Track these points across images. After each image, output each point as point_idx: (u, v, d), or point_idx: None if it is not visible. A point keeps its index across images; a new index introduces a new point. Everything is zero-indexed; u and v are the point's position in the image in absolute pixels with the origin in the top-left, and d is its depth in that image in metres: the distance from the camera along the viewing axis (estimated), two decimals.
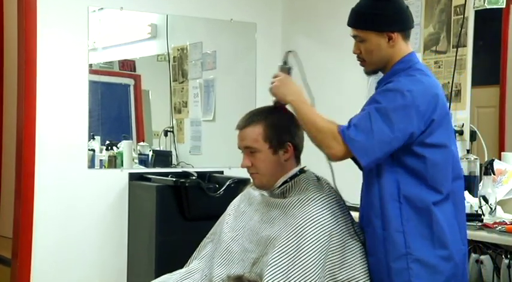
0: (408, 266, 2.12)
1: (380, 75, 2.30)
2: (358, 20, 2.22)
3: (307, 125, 2.19)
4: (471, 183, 3.03)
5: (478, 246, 2.89)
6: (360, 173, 2.28)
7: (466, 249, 2.24)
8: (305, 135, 2.40)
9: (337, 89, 4.24)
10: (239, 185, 3.79)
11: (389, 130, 2.07)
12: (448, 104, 2.38)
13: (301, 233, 2.13)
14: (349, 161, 2.19)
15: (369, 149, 2.08)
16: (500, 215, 2.80)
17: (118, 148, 4.42)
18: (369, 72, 2.29)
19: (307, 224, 2.15)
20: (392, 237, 2.14)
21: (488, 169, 2.84)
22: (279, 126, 2.30)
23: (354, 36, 2.24)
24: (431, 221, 2.12)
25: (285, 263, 2.10)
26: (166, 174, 4.21)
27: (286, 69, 2.31)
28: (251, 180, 2.40)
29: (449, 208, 2.16)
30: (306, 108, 2.20)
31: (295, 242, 2.12)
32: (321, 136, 2.14)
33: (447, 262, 2.14)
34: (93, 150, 4.27)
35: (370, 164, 2.11)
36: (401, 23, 2.21)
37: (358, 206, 2.35)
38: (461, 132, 3.34)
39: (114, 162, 4.36)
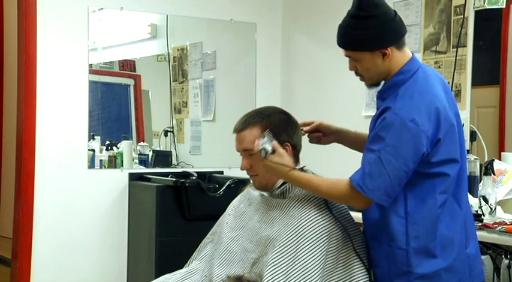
0: None
1: None
2: (348, 41, 2.14)
3: (317, 194, 2.20)
4: (471, 184, 3.03)
5: None
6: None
7: (472, 251, 2.20)
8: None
9: (337, 89, 4.24)
10: (239, 185, 3.78)
11: (404, 164, 2.05)
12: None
13: (301, 233, 2.13)
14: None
15: (390, 191, 2.07)
16: (500, 215, 2.80)
17: (118, 148, 4.42)
18: (371, 85, 2.24)
19: (307, 224, 2.15)
20: (395, 254, 2.13)
21: (488, 169, 2.84)
22: (276, 127, 2.28)
23: (347, 56, 2.18)
24: (436, 236, 2.10)
25: (285, 263, 2.10)
26: (166, 175, 4.21)
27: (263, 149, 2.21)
28: (251, 181, 2.40)
29: (460, 217, 2.16)
30: (302, 181, 2.20)
31: (295, 242, 2.12)
32: (339, 200, 2.19)
33: (449, 272, 2.12)
34: (93, 151, 4.27)
35: (392, 201, 2.10)
36: (393, 37, 2.13)
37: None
38: None
39: (114, 163, 4.36)
